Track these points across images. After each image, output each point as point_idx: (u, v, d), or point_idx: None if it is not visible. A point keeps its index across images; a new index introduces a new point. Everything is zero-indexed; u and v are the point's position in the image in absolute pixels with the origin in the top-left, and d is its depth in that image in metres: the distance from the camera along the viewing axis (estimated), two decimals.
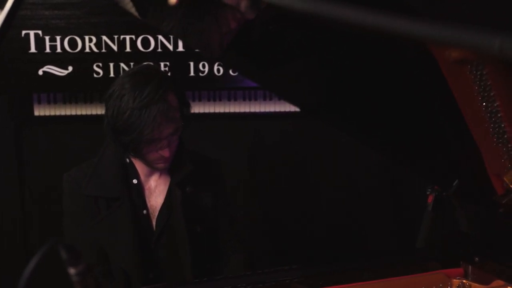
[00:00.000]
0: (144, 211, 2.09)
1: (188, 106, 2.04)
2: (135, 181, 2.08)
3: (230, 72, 3.17)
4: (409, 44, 1.43)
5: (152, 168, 2.06)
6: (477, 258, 1.63)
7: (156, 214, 2.10)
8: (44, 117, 3.20)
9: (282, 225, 3.57)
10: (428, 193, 2.62)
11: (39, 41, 3.02)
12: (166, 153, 1.96)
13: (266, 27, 1.38)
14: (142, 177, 2.10)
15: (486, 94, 1.54)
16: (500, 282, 1.53)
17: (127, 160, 2.08)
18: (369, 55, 1.50)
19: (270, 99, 3.33)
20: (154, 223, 2.10)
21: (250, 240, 2.89)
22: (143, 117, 1.88)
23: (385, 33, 0.74)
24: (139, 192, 2.09)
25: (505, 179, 1.65)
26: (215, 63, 3.12)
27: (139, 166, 2.08)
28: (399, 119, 1.68)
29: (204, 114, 3.28)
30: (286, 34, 1.43)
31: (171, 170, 2.10)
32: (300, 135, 3.52)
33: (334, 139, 3.38)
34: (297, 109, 3.35)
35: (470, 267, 1.66)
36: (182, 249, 2.10)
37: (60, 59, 3.06)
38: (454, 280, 1.62)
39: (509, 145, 1.57)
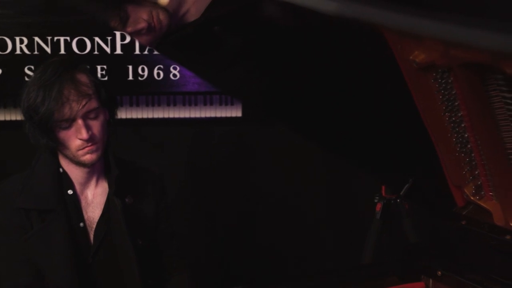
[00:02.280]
0: (81, 224, 1.98)
1: (104, 86, 1.99)
2: (70, 191, 1.97)
3: (171, 76, 3.06)
4: (373, 47, 1.39)
5: (80, 164, 1.94)
6: (439, 272, 1.58)
7: (94, 226, 1.99)
8: None
9: (224, 233, 3.48)
10: (376, 201, 2.60)
11: None
12: (83, 134, 1.85)
13: (211, 27, 1.33)
14: (77, 187, 1.99)
15: (450, 103, 1.50)
16: None
17: (61, 169, 1.96)
18: (322, 57, 1.45)
19: (211, 104, 3.24)
20: (91, 236, 1.99)
21: (191, 253, 2.78)
22: (49, 93, 1.85)
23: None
24: (75, 203, 1.98)
25: (465, 191, 1.61)
26: (155, 66, 3.01)
27: (74, 175, 1.97)
28: (354, 125, 1.63)
29: (142, 120, 3.15)
30: (231, 35, 1.39)
31: (108, 179, 2.00)
32: (241, 140, 3.45)
33: (276, 144, 3.33)
34: (238, 114, 3.28)
35: (431, 280, 1.62)
36: (122, 263, 2.00)
37: None
38: None
39: (472, 156, 1.53)
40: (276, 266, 3.33)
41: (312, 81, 1.53)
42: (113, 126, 2.01)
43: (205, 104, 3.25)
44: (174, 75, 3.08)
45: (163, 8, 1.26)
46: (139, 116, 3.15)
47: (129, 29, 1.40)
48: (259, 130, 3.34)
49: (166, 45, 1.38)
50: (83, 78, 1.91)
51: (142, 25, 1.38)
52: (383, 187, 2.58)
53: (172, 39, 1.30)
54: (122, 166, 2.04)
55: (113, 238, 2.00)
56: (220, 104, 3.26)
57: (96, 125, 1.92)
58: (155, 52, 2.98)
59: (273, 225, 3.46)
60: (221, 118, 3.29)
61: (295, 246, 3.43)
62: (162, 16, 1.37)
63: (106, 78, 2.94)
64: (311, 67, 1.49)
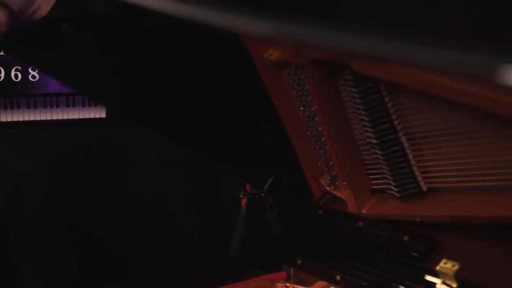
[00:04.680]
0: None
1: None
2: None
3: (29, 77, 2.96)
4: (227, 45, 1.43)
5: None
6: (299, 261, 1.65)
7: None
8: None
9: (89, 235, 3.41)
10: (241, 196, 2.65)
11: None
12: None
13: (59, 25, 1.30)
14: None
15: (303, 98, 1.56)
16: (322, 283, 1.56)
17: None
18: (180, 56, 1.46)
19: (74, 106, 3.17)
20: None
21: (52, 256, 2.72)
22: None
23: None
24: None
25: (321, 181, 1.69)
26: (12, 67, 2.90)
27: None
28: (214, 122, 1.65)
29: (1, 123, 3.02)
30: (80, 33, 1.36)
31: None
32: (106, 141, 3.39)
33: (142, 144, 3.31)
34: (103, 115, 3.23)
35: (292, 270, 1.68)
36: None
37: None
38: (278, 284, 1.62)
39: (326, 148, 1.60)
40: (145, 265, 3.31)
41: (173, 81, 1.53)
42: None
43: (67, 106, 3.17)
44: (33, 76, 2.98)
45: (2, 5, 1.18)
46: None
47: None
48: (124, 131, 3.31)
49: (14, 45, 1.34)
50: None
51: None
52: (248, 183, 2.64)
53: (16, 38, 1.26)
54: None
55: None
56: (83, 106, 3.20)
57: None
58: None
59: (140, 224, 3.44)
60: (84, 120, 3.23)
61: (163, 244, 3.43)
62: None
63: None
64: (170, 67, 1.50)
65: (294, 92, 1.57)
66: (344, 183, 1.61)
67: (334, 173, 1.64)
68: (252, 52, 1.51)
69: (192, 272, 1.80)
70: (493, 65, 0.55)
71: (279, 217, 2.46)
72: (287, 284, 1.62)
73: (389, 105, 1.36)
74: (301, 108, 1.59)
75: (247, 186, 2.65)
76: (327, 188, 1.68)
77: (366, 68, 1.22)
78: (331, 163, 1.63)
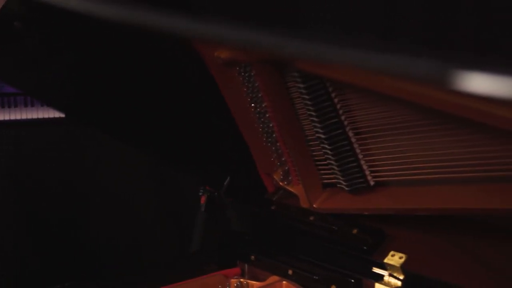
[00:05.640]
0: None
1: None
2: None
3: None
4: (177, 45, 1.43)
5: None
6: (252, 256, 1.66)
7: None
8: None
9: (49, 237, 3.38)
10: (200, 194, 2.65)
11: None
12: None
13: (10, 23, 1.29)
14: None
15: (254, 95, 1.58)
16: (275, 278, 1.57)
17: None
18: (134, 56, 1.46)
19: (32, 106, 3.14)
20: None
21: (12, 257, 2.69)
22: None
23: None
24: None
25: (274, 177, 1.70)
26: None
27: None
28: (170, 120, 1.66)
29: None
30: (32, 31, 1.35)
31: None
32: (65, 142, 3.37)
33: (103, 144, 3.29)
34: (62, 115, 3.20)
35: (246, 265, 1.69)
36: None
37: None
38: (232, 280, 1.63)
39: (278, 144, 1.62)
40: (108, 262, 3.30)
41: (125, 82, 1.53)
42: None
43: (25, 106, 3.14)
44: None
45: None
46: None
47: None
48: (84, 130, 3.29)
49: None
50: None
51: None
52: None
53: None
54: None
55: None
56: (42, 105, 3.17)
57: None
58: None
59: (102, 221, 3.42)
60: (44, 120, 3.20)
61: (125, 242, 3.42)
62: None
63: None
64: (122, 67, 1.50)
65: (245, 89, 1.58)
66: (297, 178, 1.63)
67: (286, 168, 1.66)
68: (202, 51, 1.52)
69: (147, 269, 1.80)
70: (442, 70, 0.57)
71: (238, 214, 2.47)
72: (241, 280, 1.63)
73: (335, 100, 1.38)
74: (252, 104, 1.60)
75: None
76: (280, 184, 1.69)
77: (308, 66, 1.24)
78: (283, 159, 1.65)
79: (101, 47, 1.44)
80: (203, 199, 2.69)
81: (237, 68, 1.56)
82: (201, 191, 2.70)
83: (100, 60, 1.48)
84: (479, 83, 0.55)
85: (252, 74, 1.54)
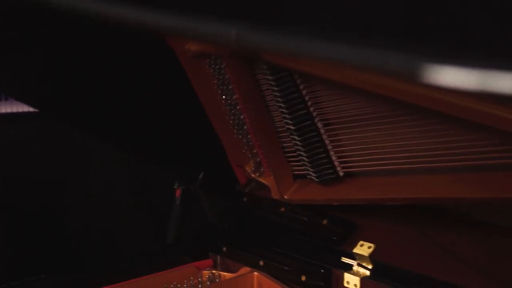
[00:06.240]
0: None
1: None
2: None
3: None
4: (146, 37, 1.43)
5: None
6: (224, 248, 1.67)
7: None
8: None
9: (24, 229, 3.36)
10: (175, 187, 2.65)
11: None
12: None
13: None
14: None
15: (225, 87, 1.58)
16: (247, 269, 1.58)
17: None
18: (104, 51, 1.46)
19: (6, 100, 3.11)
20: None
21: None
22: None
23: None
24: None
25: (246, 168, 1.71)
26: None
27: None
28: (141, 114, 1.66)
29: None
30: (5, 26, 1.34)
31: None
32: (40, 137, 3.34)
33: (75, 139, 3.27)
34: (36, 110, 3.18)
35: (218, 257, 1.70)
36: None
37: None
38: (204, 271, 1.64)
39: (249, 136, 1.63)
40: (84, 255, 3.29)
41: (97, 77, 1.52)
42: None
43: None
44: None
45: None
46: None
47: None
48: (60, 124, 3.26)
49: None
50: None
51: None
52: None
53: None
54: None
55: None
56: (16, 99, 3.14)
57: None
58: None
59: (78, 215, 3.41)
60: (17, 114, 3.17)
61: (101, 234, 3.41)
62: None
63: None
64: (93, 63, 1.49)
65: (216, 81, 1.58)
66: (268, 169, 1.64)
67: (258, 160, 1.66)
68: (172, 44, 1.52)
69: (121, 261, 1.81)
70: (413, 64, 0.57)
71: (211, 206, 2.47)
72: (213, 271, 1.64)
73: (304, 92, 1.39)
74: (223, 97, 1.61)
75: None
76: (252, 175, 1.70)
77: (275, 58, 1.24)
78: (255, 151, 1.65)
79: (71, 40, 1.43)
80: (178, 192, 2.70)
81: (208, 61, 1.56)
82: (176, 184, 2.71)
83: (69, 53, 1.47)
84: (447, 76, 0.55)
85: (223, 66, 1.54)
